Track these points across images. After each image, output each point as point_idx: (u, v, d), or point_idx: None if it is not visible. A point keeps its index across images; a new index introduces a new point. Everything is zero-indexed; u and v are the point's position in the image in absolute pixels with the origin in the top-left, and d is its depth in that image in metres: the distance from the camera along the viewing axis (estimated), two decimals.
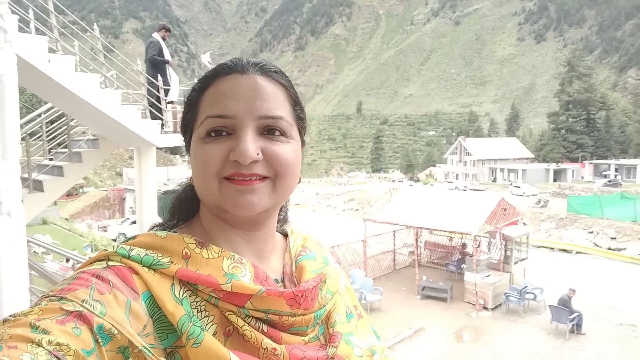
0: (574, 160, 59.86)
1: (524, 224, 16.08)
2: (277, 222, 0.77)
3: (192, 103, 0.68)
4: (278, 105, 0.65)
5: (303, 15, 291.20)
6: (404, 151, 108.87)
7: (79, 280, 0.54)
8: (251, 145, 0.61)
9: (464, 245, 16.37)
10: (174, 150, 47.43)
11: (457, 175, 67.10)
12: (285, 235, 0.81)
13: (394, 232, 16.15)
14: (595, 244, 20.29)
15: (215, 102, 0.64)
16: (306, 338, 0.66)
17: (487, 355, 9.92)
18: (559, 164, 57.66)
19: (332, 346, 0.67)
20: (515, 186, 41.69)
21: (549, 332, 10.95)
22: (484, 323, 11.62)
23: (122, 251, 0.60)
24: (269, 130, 0.64)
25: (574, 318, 10.62)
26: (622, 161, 52.14)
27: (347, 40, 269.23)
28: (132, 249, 0.61)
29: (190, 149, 0.67)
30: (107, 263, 0.58)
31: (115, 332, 0.50)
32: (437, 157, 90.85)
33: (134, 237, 0.65)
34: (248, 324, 0.61)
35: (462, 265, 14.10)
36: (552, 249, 20.38)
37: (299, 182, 0.70)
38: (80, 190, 40.65)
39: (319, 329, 0.70)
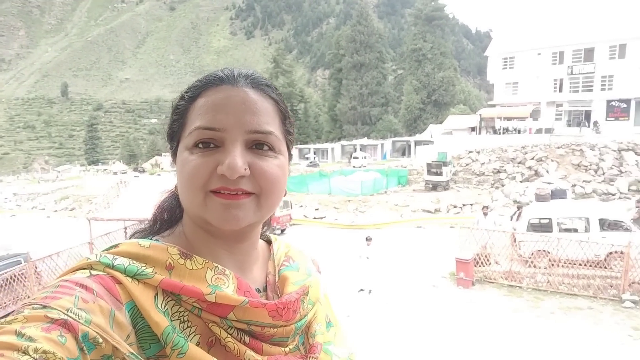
0: None
1: None
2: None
3: (181, 112, 0.66)
4: (268, 120, 0.64)
5: None
6: (125, 140, 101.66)
7: (62, 288, 0.53)
8: (239, 160, 0.60)
9: None
10: None
11: None
12: (269, 242, 0.80)
13: (125, 228, 15.11)
14: (305, 215, 24.33)
15: (205, 113, 0.62)
16: (286, 349, 0.66)
17: None
18: None
19: (312, 357, 0.68)
20: None
21: None
22: None
23: (105, 260, 0.59)
24: (258, 144, 0.63)
25: None
26: (318, 145, 63.27)
27: (42, 9, 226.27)
28: (116, 258, 0.60)
29: (177, 159, 0.65)
30: (90, 272, 0.57)
31: (100, 340, 0.49)
32: (162, 145, 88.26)
33: (116, 246, 0.63)
34: (230, 335, 0.61)
35: None
36: None
37: (284, 195, 0.68)
38: None
39: (299, 339, 0.70)
